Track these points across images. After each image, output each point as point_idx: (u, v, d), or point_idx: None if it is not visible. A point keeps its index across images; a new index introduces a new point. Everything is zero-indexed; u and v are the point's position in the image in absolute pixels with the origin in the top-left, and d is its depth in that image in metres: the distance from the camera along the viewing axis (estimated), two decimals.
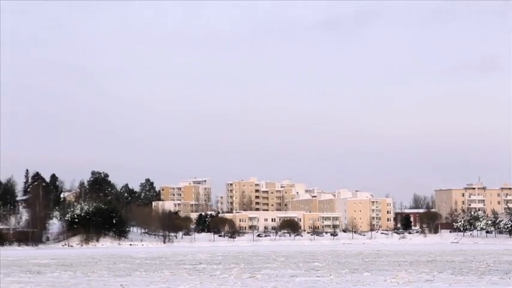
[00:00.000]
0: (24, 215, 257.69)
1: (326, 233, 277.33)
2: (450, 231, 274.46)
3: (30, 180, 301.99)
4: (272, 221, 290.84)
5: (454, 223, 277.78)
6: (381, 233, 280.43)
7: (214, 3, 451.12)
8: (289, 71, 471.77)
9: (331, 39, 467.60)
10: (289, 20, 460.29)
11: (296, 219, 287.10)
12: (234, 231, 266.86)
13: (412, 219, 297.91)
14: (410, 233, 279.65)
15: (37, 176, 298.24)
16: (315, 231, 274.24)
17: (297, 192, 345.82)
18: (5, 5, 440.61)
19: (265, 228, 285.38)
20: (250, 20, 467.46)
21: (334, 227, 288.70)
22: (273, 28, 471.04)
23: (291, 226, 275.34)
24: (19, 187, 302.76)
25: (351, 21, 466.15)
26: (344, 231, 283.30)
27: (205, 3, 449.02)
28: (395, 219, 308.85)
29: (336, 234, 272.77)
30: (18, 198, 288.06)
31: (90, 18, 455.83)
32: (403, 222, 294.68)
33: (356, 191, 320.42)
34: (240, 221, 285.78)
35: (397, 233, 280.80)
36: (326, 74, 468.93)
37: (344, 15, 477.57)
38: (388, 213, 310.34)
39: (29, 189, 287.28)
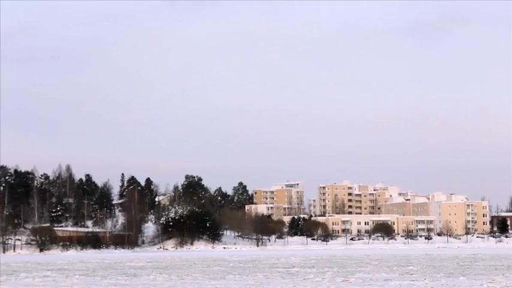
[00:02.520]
0: (120, 218, 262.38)
1: (420, 236, 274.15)
2: None
3: (125, 184, 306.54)
4: (365, 224, 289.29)
5: None
6: (477, 237, 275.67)
7: (294, 4, 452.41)
8: (375, 74, 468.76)
9: (416, 43, 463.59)
10: (372, 23, 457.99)
11: (389, 223, 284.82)
12: (327, 235, 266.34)
13: (509, 222, 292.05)
14: (507, 236, 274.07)
15: (132, 180, 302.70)
16: (409, 234, 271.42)
17: (390, 196, 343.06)
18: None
19: (358, 231, 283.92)
20: (334, 22, 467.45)
21: (429, 230, 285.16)
22: (355, 31, 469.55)
23: (384, 229, 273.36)
24: (115, 191, 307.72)
25: (436, 25, 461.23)
26: (439, 234, 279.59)
27: (286, 3, 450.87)
28: (491, 222, 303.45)
29: (431, 238, 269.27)
30: (114, 202, 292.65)
31: (175, 23, 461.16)
32: (500, 226, 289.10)
33: (451, 194, 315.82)
34: (333, 224, 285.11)
35: (493, 236, 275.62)
36: (411, 78, 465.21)
37: (429, 19, 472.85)
38: (484, 216, 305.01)
39: (124, 193, 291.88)
